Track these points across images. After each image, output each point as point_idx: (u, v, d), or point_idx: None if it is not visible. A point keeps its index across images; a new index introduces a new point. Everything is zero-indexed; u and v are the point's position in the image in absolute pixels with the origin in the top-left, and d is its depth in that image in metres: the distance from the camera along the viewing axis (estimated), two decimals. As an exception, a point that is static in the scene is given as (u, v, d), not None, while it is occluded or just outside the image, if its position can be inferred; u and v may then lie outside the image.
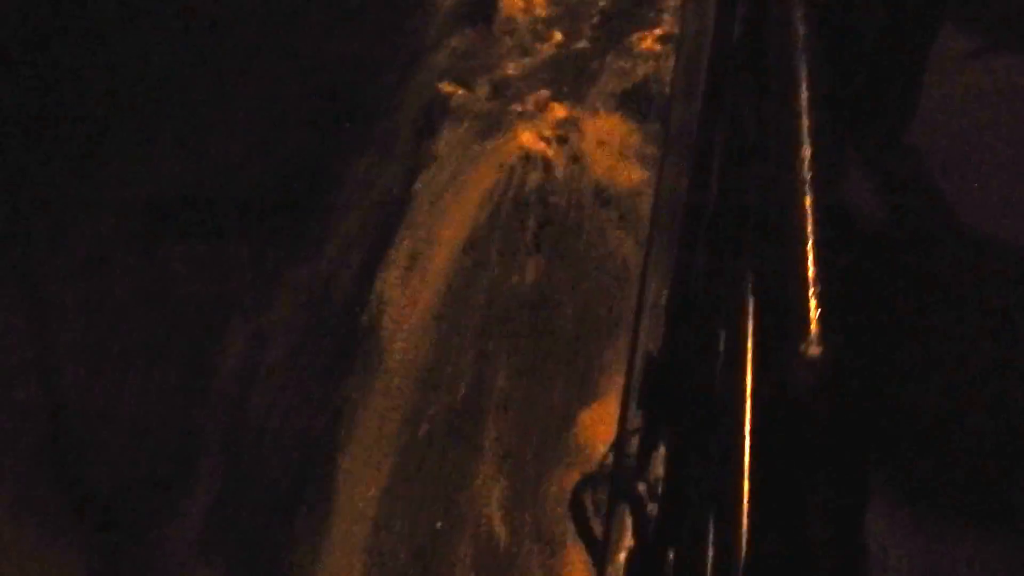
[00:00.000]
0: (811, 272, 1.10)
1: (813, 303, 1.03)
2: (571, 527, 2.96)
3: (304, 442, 3.90)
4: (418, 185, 4.58)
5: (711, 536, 1.55)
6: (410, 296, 4.24)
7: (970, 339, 1.35)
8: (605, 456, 2.28)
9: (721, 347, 1.68)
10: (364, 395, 3.97)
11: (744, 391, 1.26)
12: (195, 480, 3.81)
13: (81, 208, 4.50)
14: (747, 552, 1.12)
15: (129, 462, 3.86)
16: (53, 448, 3.89)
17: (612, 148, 4.50)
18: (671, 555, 1.87)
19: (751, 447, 1.16)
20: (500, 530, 3.47)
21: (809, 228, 1.22)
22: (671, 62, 4.28)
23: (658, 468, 2.09)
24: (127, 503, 3.77)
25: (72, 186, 4.56)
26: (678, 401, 1.98)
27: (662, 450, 2.11)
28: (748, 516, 1.15)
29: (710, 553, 1.52)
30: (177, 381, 4.07)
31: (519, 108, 4.77)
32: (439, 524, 3.53)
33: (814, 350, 0.96)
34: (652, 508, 2.03)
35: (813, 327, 0.99)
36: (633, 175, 4.38)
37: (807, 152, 1.41)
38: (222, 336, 4.18)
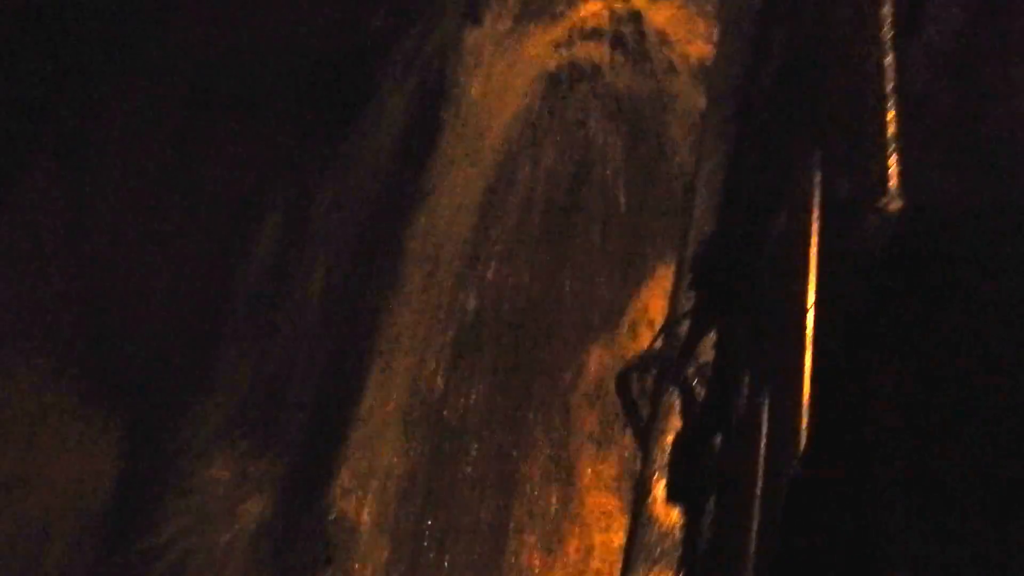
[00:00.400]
0: (891, 129, 1.02)
1: (894, 159, 0.94)
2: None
3: (335, 342, 3.87)
4: (470, 64, 4.42)
5: (764, 420, 1.48)
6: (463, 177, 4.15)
7: (995, 333, 1.19)
8: (654, 339, 2.20)
9: (781, 222, 1.59)
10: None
11: (808, 263, 1.18)
12: (222, 371, 3.82)
13: (124, 75, 4.39)
14: (807, 434, 1.05)
15: (160, 347, 3.86)
16: (88, 325, 3.90)
17: (670, 22, 4.33)
18: (718, 439, 1.81)
19: (815, 319, 1.08)
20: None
21: (890, 86, 1.13)
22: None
23: (707, 352, 2.01)
24: (157, 387, 3.80)
25: (116, 53, 4.44)
26: (733, 281, 1.89)
27: (712, 334, 2.03)
28: (809, 395, 1.08)
29: (763, 438, 1.45)
30: (209, 270, 4.03)
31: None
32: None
33: (895, 204, 0.88)
34: (700, 392, 1.96)
35: (893, 182, 0.91)
36: (692, 49, 4.22)
37: (887, 9, 1.32)
38: (256, 227, 4.12)
